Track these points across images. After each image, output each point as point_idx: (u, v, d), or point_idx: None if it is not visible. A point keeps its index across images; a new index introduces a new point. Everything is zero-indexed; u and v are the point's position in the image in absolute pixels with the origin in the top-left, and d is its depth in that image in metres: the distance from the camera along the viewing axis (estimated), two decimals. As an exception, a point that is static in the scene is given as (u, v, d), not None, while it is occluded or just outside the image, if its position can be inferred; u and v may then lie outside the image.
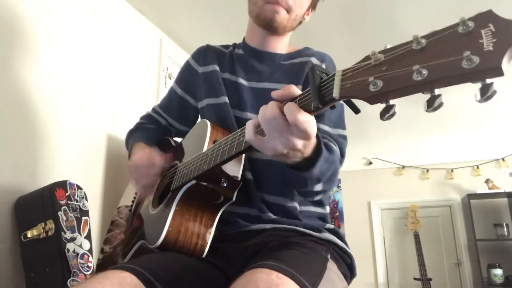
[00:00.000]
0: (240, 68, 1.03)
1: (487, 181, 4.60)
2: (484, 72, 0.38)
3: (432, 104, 0.43)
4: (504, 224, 4.40)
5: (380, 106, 0.48)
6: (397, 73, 0.44)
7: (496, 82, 0.40)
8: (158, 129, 1.17)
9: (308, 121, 0.57)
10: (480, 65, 0.37)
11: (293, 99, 0.59)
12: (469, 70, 0.38)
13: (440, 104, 0.43)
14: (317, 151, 0.68)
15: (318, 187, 0.78)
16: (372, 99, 0.47)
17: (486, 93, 0.39)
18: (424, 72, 0.41)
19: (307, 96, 0.57)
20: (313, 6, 1.05)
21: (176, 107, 1.13)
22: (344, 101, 0.53)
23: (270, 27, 0.97)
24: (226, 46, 1.12)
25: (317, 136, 0.66)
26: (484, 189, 4.57)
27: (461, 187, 4.90)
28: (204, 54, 1.09)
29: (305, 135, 0.58)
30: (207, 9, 2.24)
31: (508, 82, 3.21)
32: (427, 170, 5.10)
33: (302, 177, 0.72)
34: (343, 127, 0.95)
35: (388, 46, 0.47)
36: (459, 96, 3.52)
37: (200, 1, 2.17)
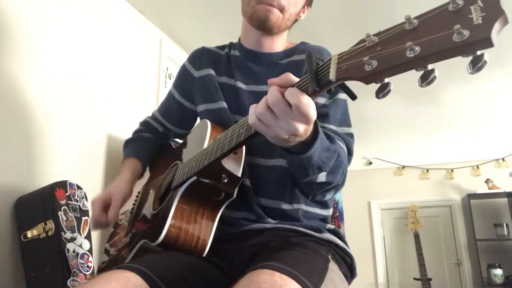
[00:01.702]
0: (238, 71, 1.01)
1: (487, 181, 4.60)
2: (474, 44, 0.39)
3: (426, 79, 0.44)
4: (504, 224, 4.40)
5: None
6: (391, 51, 0.46)
7: (496, 82, 0.41)
8: (154, 138, 1.17)
9: (309, 103, 0.57)
10: (471, 37, 0.39)
11: (291, 86, 0.59)
12: (460, 43, 0.39)
13: (434, 78, 0.44)
14: (314, 135, 0.68)
15: (322, 177, 0.77)
16: (367, 79, 0.48)
17: (477, 64, 0.40)
18: (417, 48, 0.43)
19: (305, 81, 0.57)
20: (309, 3, 1.03)
21: (175, 112, 1.13)
22: (340, 86, 0.54)
23: (264, 27, 0.95)
24: (222, 47, 1.10)
25: (314, 122, 0.66)
26: (484, 189, 4.57)
27: (461, 187, 4.90)
28: (200, 57, 1.08)
29: (306, 119, 0.58)
30: (207, 9, 2.24)
31: (508, 81, 3.21)
32: (427, 170, 5.10)
33: (301, 163, 0.72)
34: (349, 125, 0.95)
35: (381, 30, 0.49)
36: (459, 96, 3.52)
37: (200, 1, 2.17)
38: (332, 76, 0.52)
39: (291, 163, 0.76)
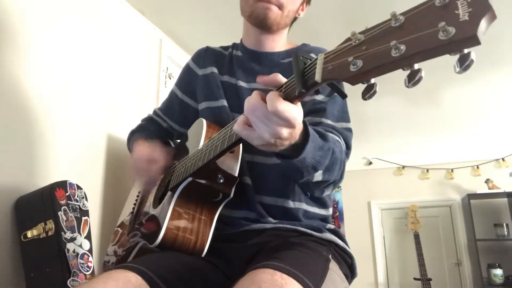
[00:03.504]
0: (240, 71, 1.02)
1: (487, 181, 4.60)
2: (460, 42, 0.38)
3: (413, 79, 0.42)
4: (504, 224, 4.40)
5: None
6: (376, 51, 0.44)
7: (496, 81, 0.40)
8: (159, 130, 1.17)
9: (287, 109, 0.55)
10: (456, 35, 0.37)
11: (279, 87, 0.59)
12: (445, 41, 0.38)
13: (420, 78, 0.42)
14: (305, 137, 0.67)
15: (318, 176, 0.76)
16: (353, 79, 0.47)
17: (464, 63, 0.39)
18: (402, 47, 0.41)
19: (291, 83, 0.57)
20: (307, 0, 1.03)
21: (177, 110, 1.13)
22: (328, 85, 0.53)
23: (263, 25, 0.95)
24: (226, 48, 1.11)
25: (304, 122, 0.65)
26: (484, 189, 4.56)
27: (461, 187, 4.90)
28: (204, 56, 1.09)
29: (288, 124, 0.57)
30: (207, 9, 2.24)
31: (508, 81, 3.21)
32: (427, 170, 5.09)
33: (295, 166, 0.71)
34: (347, 120, 0.94)
35: (369, 27, 0.47)
36: (459, 96, 3.52)
37: (200, 1, 2.17)
38: (317, 77, 0.51)
39: (285, 167, 0.75)
